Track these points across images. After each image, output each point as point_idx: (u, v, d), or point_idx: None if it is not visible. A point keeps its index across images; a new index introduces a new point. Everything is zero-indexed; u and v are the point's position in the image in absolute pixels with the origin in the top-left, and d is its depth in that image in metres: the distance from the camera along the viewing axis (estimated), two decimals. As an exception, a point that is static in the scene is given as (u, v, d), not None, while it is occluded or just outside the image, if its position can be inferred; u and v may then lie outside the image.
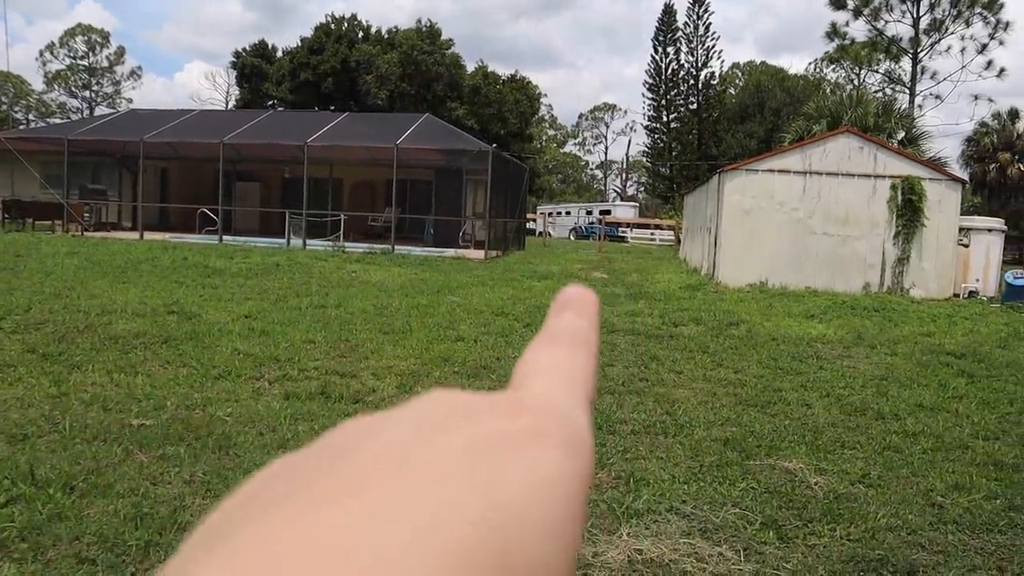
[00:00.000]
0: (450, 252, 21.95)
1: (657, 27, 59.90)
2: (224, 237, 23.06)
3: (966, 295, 16.90)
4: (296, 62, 53.01)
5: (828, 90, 40.62)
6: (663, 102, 59.48)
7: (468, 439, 0.21)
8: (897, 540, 3.88)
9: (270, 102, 53.64)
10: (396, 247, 21.96)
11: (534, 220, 46.77)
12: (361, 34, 54.51)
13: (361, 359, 7.25)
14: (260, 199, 28.49)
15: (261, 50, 56.66)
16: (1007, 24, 40.21)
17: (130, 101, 70.93)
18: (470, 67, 56.38)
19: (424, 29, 54.28)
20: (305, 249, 21.42)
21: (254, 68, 55.08)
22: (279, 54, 56.50)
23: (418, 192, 27.35)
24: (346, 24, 54.54)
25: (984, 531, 4.07)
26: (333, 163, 26.67)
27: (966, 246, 17.13)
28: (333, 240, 22.88)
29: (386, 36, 54.68)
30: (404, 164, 23.86)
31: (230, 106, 63.55)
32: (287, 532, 0.17)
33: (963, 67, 41.28)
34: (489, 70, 56.28)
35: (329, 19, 54.71)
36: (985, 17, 40.01)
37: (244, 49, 56.94)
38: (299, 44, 54.49)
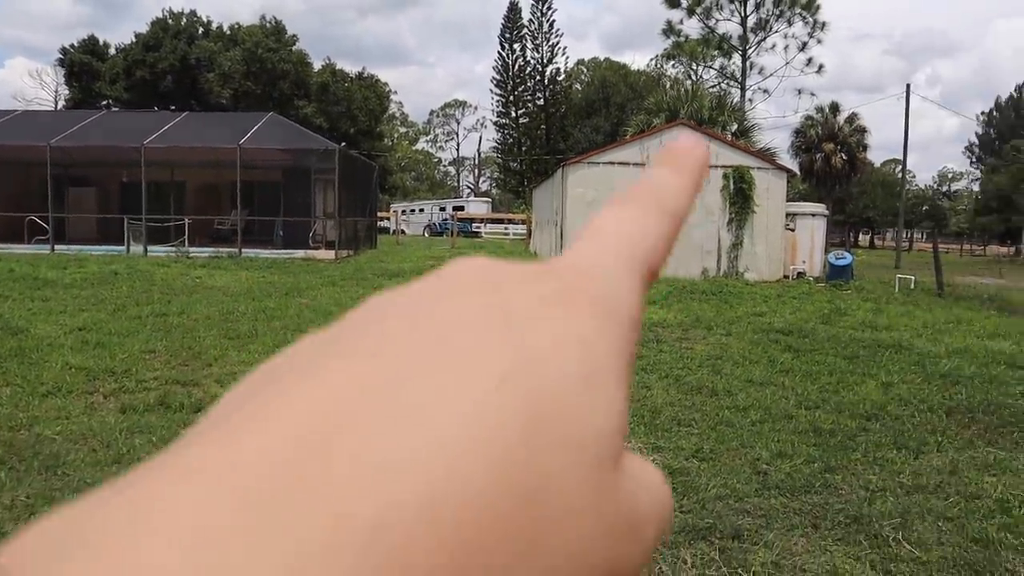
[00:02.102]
0: (300, 253, 21.49)
1: (503, 24, 60.64)
2: (57, 246, 21.70)
3: (795, 276, 18.05)
4: (131, 59, 50.32)
5: (668, 85, 42.20)
6: (511, 98, 60.23)
7: (493, 301, 0.20)
8: (725, 508, 4.13)
9: (104, 102, 50.69)
10: (244, 250, 21.29)
11: (388, 218, 46.42)
12: (201, 30, 52.35)
13: (204, 367, 7.03)
14: (97, 205, 26.82)
15: (91, 46, 53.39)
16: (823, 24, 43.27)
17: (-57, 101, 65.28)
18: (317, 65, 55.27)
19: (269, 25, 52.72)
20: (146, 256, 20.45)
21: (84, 66, 51.85)
22: (112, 51, 53.46)
23: (266, 193, 26.53)
24: (185, 20, 52.22)
25: (802, 493, 4.39)
26: (174, 165, 25.50)
27: (792, 230, 18.29)
28: (176, 245, 21.93)
29: (228, 32, 52.71)
30: (249, 165, 23.14)
31: (59, 106, 59.57)
32: (311, 388, 0.17)
33: (787, 63, 44.08)
34: (337, 68, 55.32)
35: (166, 14, 52.24)
36: (804, 17, 42.83)
37: (72, 45, 53.54)
38: (134, 40, 51.76)
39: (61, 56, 53.78)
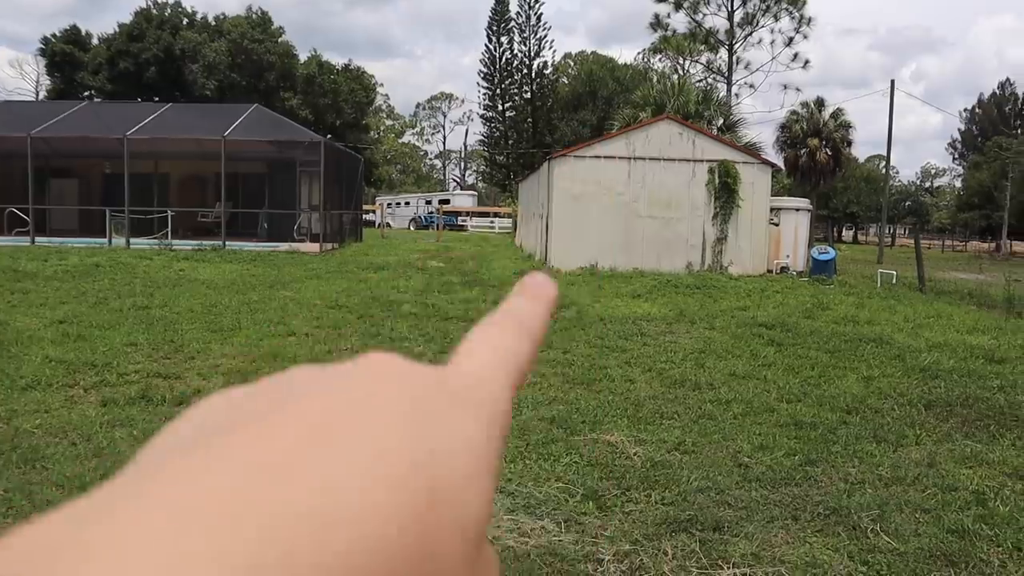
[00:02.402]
0: (284, 246, 21.39)
1: (491, 17, 60.44)
2: (37, 238, 21.52)
3: (778, 270, 18.14)
4: (114, 49, 49.75)
5: (655, 79, 42.25)
6: (498, 91, 60.09)
7: (406, 398, 0.23)
8: (707, 500, 4.16)
9: (86, 92, 50.13)
10: (228, 243, 21.21)
11: (373, 211, 46.29)
12: (186, 21, 51.84)
13: (186, 359, 7.01)
14: (79, 196, 26.56)
15: (73, 36, 52.75)
16: (809, 19, 43.39)
17: (-78, 91, 64.44)
18: (303, 56, 54.94)
19: (255, 16, 52.33)
20: (129, 248, 20.31)
21: (66, 56, 51.21)
22: (95, 40, 52.88)
23: (251, 185, 26.35)
24: (169, 10, 51.70)
25: (783, 485, 4.42)
26: (158, 157, 25.28)
27: (777, 225, 18.37)
28: (160, 238, 21.79)
29: (213, 23, 52.27)
30: (234, 157, 22.99)
31: (41, 97, 58.91)
32: (249, 452, 0.20)
33: (773, 58, 44.19)
34: (323, 59, 55.03)
35: (150, 4, 51.70)
36: (791, 12, 42.94)
37: (54, 35, 52.88)
38: (117, 31, 51.20)
39: (43, 46, 53.09)
